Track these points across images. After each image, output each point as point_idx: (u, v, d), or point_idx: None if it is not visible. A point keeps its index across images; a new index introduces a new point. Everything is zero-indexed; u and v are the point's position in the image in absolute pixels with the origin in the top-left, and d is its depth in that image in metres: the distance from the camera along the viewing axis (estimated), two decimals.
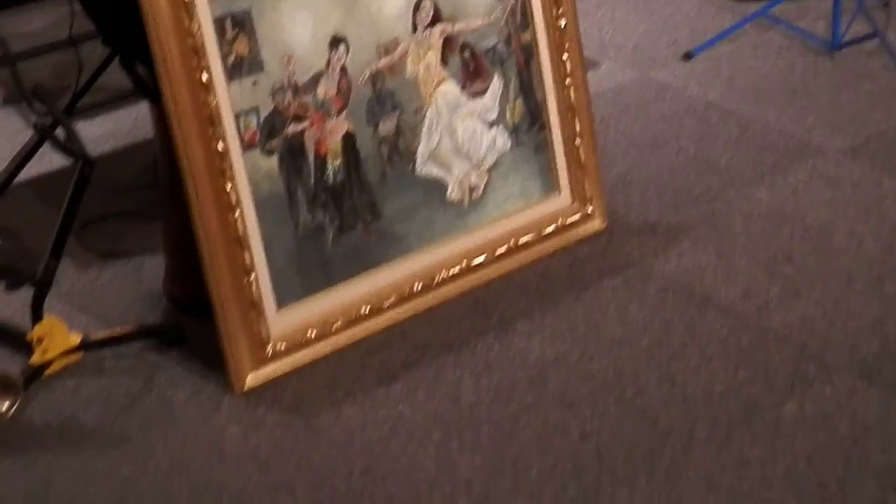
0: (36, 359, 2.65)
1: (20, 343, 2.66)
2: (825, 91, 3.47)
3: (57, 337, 2.68)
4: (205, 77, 2.45)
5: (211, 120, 2.46)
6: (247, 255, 2.55)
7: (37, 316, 2.66)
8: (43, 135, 2.63)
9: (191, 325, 2.75)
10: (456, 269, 2.81)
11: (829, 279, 2.78)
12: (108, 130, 3.47)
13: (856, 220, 2.96)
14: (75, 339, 2.70)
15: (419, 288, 2.76)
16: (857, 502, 2.20)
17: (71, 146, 2.60)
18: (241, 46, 2.50)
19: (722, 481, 2.28)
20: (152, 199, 3.07)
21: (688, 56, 3.68)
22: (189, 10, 2.40)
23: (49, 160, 3.23)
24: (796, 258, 2.85)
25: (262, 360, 2.61)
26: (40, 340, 2.66)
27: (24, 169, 2.83)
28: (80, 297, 2.84)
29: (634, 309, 2.74)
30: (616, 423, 2.44)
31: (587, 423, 2.46)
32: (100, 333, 2.73)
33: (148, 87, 2.66)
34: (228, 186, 2.51)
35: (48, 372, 2.66)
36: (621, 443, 2.40)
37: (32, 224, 3.06)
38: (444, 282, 2.79)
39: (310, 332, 2.65)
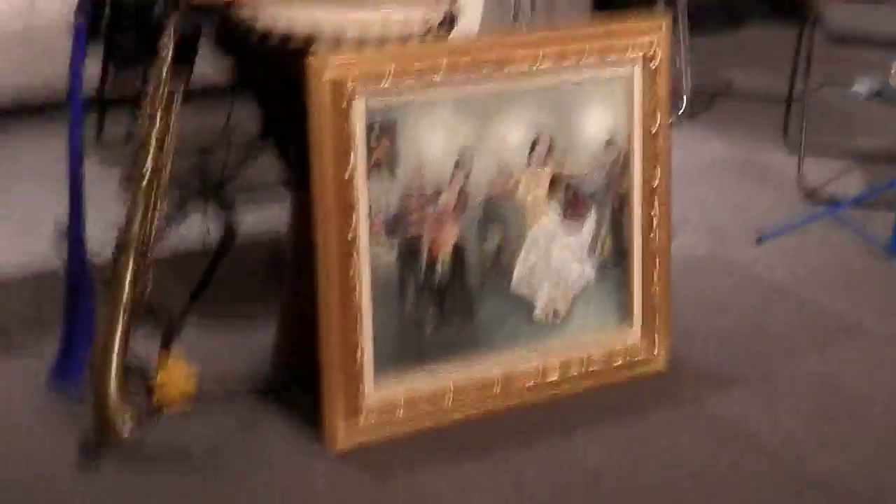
0: (158, 398, 3.00)
1: (146, 381, 3.02)
2: (879, 287, 3.83)
3: (177, 380, 3.04)
4: (348, 175, 2.85)
5: (350, 205, 2.86)
6: (358, 328, 2.92)
7: (164, 357, 3.03)
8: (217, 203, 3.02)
9: (290, 395, 3.11)
10: (531, 381, 3.16)
11: (863, 441, 3.10)
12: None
13: (891, 394, 3.29)
14: (191, 387, 3.06)
15: (498, 390, 3.12)
16: None
17: (227, 215, 3.00)
18: (382, 151, 2.90)
19: None
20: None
21: (759, 241, 4.05)
22: (347, 113, 2.81)
23: None
24: (835, 419, 3.18)
25: (355, 428, 2.96)
26: (163, 384, 3.02)
27: None
28: (195, 353, 3.18)
29: (685, 439, 3.07)
30: None
31: None
32: (214, 385, 3.10)
33: (292, 175, 3.08)
34: (352, 271, 2.89)
35: (164, 412, 3.02)
36: None
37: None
38: (522, 388, 3.14)
39: (398, 410, 3.00)
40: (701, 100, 5.14)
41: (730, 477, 2.95)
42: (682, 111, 4.93)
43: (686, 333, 3.47)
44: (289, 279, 3.21)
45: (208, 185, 3.05)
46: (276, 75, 2.91)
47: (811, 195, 4.40)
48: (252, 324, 3.42)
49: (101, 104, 4.35)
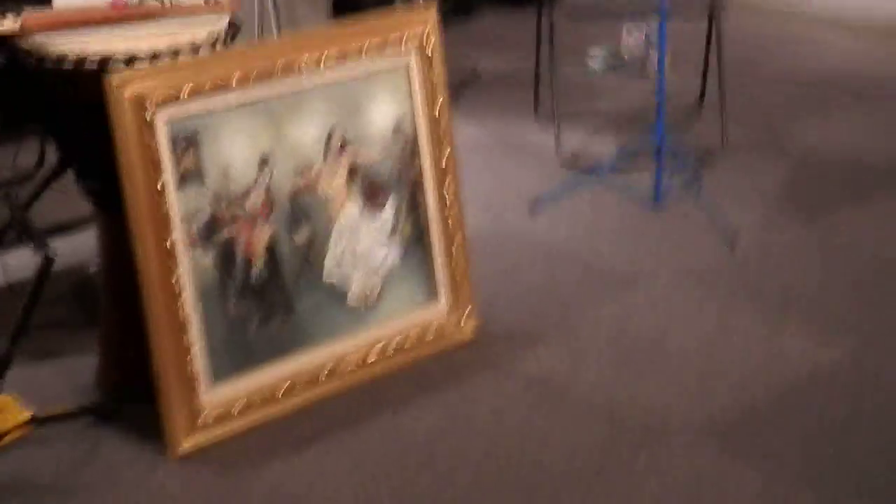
0: None
1: None
2: (651, 237, 4.11)
3: (11, 412, 3.09)
4: (160, 185, 2.95)
5: (164, 218, 2.96)
6: (186, 337, 3.02)
7: None
8: (23, 231, 3.07)
9: (124, 412, 3.19)
10: (353, 362, 3.31)
11: (663, 375, 3.35)
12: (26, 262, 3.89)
13: (682, 331, 3.55)
14: (27, 414, 3.11)
15: (325, 376, 3.25)
16: None
17: (38, 241, 3.05)
18: (189, 161, 3.01)
19: None
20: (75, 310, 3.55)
21: (533, 209, 4.29)
22: (151, 127, 2.91)
23: None
24: (635, 360, 3.42)
25: (195, 429, 3.05)
26: None
27: None
28: (21, 387, 3.22)
29: (504, 395, 3.27)
30: (496, 478, 2.95)
31: (473, 476, 2.96)
32: (47, 410, 3.15)
33: (99, 198, 3.15)
34: (174, 278, 2.99)
35: (2, 443, 3.06)
36: (502, 491, 2.90)
37: None
38: (345, 372, 3.29)
39: (235, 407, 3.11)
40: (449, 89, 5.35)
41: (552, 422, 3.16)
42: None
43: (487, 303, 3.67)
44: (106, 299, 3.27)
45: (18, 218, 3.09)
46: (72, 98, 2.98)
47: (571, 164, 4.66)
48: (70, 349, 3.47)
49: None
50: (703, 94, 5.07)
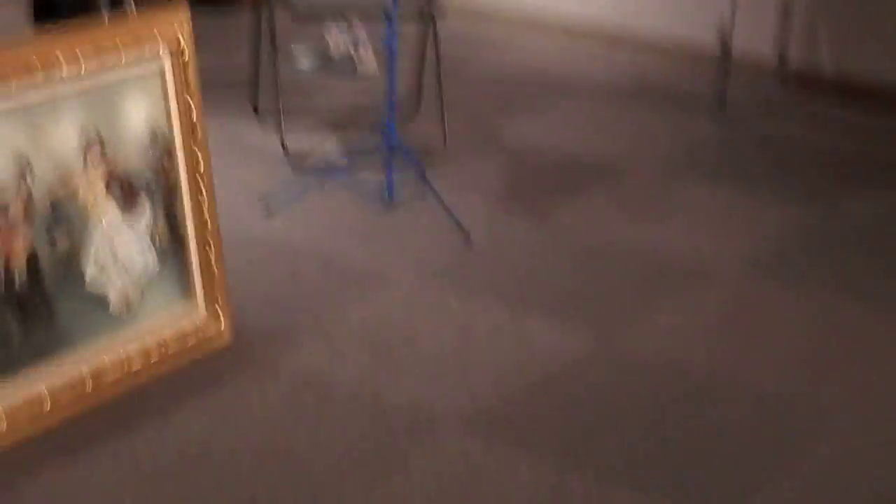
0: None
1: None
2: (389, 232, 4.21)
3: None
4: None
5: None
6: None
7: None
8: None
9: None
10: (118, 371, 3.28)
11: (422, 367, 3.46)
12: None
13: (434, 325, 3.67)
14: None
15: (90, 388, 3.22)
16: None
17: None
18: None
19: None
20: None
21: (269, 212, 4.32)
22: None
23: None
24: (392, 353, 3.52)
25: None
26: None
27: None
28: None
29: (271, 395, 3.32)
30: (278, 476, 2.99)
31: (254, 476, 2.99)
32: None
33: None
34: None
35: None
36: (287, 489, 2.95)
37: None
38: (110, 383, 3.26)
39: (2, 424, 3.04)
40: None
41: (323, 419, 3.22)
42: None
43: (241, 306, 3.69)
44: None
45: None
46: None
47: (299, 164, 4.71)
48: None
49: None
50: (419, 95, 5.20)
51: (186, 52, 3.37)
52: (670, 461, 3.08)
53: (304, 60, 5.78)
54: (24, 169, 3.06)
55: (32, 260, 3.11)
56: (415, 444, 3.12)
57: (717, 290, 3.93)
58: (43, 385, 3.14)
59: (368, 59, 5.64)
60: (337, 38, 5.75)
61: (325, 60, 5.81)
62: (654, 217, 4.43)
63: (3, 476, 2.96)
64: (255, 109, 5.13)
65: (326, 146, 4.88)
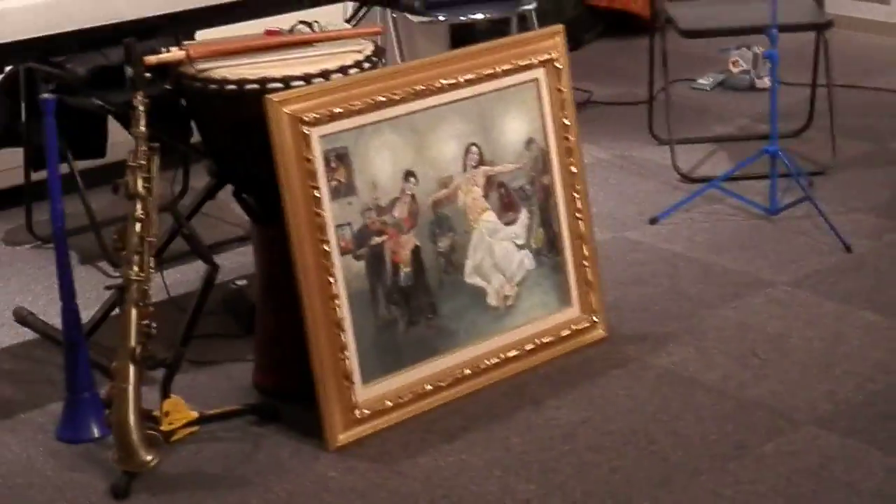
0: (164, 427, 3.30)
1: (150, 416, 3.30)
2: (768, 243, 4.30)
3: (180, 411, 3.35)
4: (316, 194, 3.20)
5: (320, 228, 3.21)
6: (342, 336, 3.26)
7: (166, 393, 3.33)
8: (188, 242, 3.33)
9: (282, 410, 3.43)
10: (494, 360, 3.53)
11: (787, 367, 3.54)
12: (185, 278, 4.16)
13: (804, 329, 3.74)
14: (194, 414, 3.36)
15: (468, 373, 3.48)
16: None
17: (204, 251, 3.32)
18: (340, 174, 3.26)
19: (724, 497, 2.99)
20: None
21: (653, 221, 4.49)
22: (307, 142, 3.17)
23: None
24: (761, 354, 3.61)
25: (351, 422, 3.29)
26: (167, 413, 3.32)
27: None
28: (185, 392, 3.47)
29: (638, 389, 3.48)
30: (635, 462, 3.16)
31: (613, 461, 3.16)
32: (213, 410, 3.40)
33: (257, 212, 3.41)
34: (330, 281, 3.23)
35: (174, 439, 3.31)
36: (642, 474, 3.10)
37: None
38: (487, 369, 3.51)
39: (387, 402, 3.34)
40: None
41: (685, 412, 3.36)
42: None
43: (614, 307, 3.88)
44: (262, 307, 3.52)
45: (184, 228, 3.35)
46: (234, 118, 3.24)
47: (687, 177, 4.86)
48: (227, 357, 3.72)
49: (28, 197, 4.60)
50: (812, 108, 5.23)
51: (561, 68, 3.59)
52: None
53: (702, 80, 5.93)
54: (409, 174, 3.37)
55: (417, 256, 3.40)
56: (769, 440, 3.22)
57: None
58: (424, 372, 3.42)
59: (766, 72, 5.73)
60: (735, 56, 5.86)
61: (725, 77, 5.93)
62: None
63: (386, 453, 3.25)
64: (651, 129, 5.30)
65: (715, 161, 4.99)
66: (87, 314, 3.65)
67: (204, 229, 4.07)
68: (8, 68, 3.95)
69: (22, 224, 4.68)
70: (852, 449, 3.16)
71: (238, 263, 4.26)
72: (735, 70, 5.87)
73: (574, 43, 6.72)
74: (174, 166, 4.31)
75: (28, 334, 3.93)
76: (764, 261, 4.18)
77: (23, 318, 3.97)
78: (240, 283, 4.02)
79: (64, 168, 4.05)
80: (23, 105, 4.28)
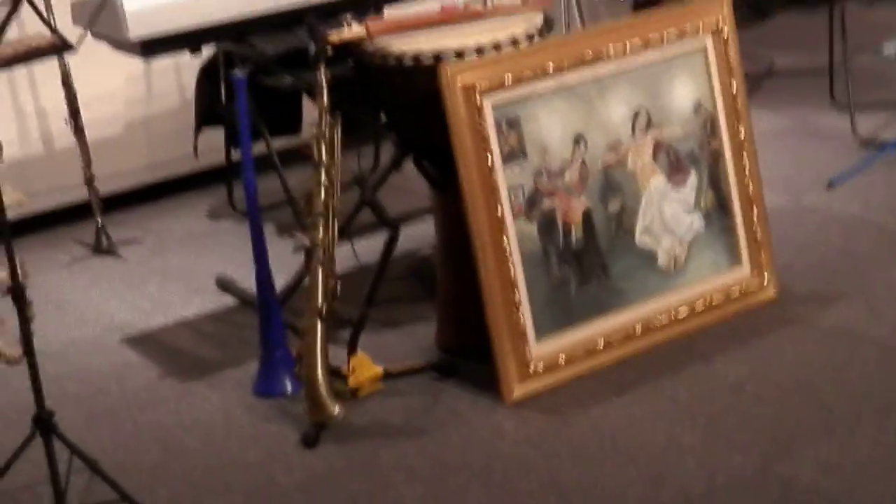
0: (352, 382, 3.52)
1: (338, 372, 3.52)
2: None
3: (366, 367, 3.57)
4: (489, 162, 3.38)
5: (493, 191, 3.39)
6: (516, 294, 3.43)
7: (352, 350, 3.55)
8: (371, 208, 3.54)
9: (460, 367, 3.62)
10: (665, 319, 3.66)
11: None
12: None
13: None
14: (379, 370, 3.58)
15: (640, 331, 3.62)
16: None
17: (385, 216, 3.53)
18: (512, 140, 3.43)
19: (885, 445, 3.08)
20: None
21: (830, 185, 4.55)
22: (479, 110, 3.35)
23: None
24: None
25: (525, 377, 3.46)
26: (354, 369, 3.55)
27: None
28: (372, 351, 3.69)
29: (805, 345, 3.57)
30: (799, 412, 3.26)
31: (777, 412, 3.27)
32: (396, 366, 3.61)
33: (435, 179, 3.61)
34: (504, 242, 3.41)
35: (360, 393, 3.53)
36: (805, 423, 3.21)
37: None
38: (657, 328, 3.64)
39: (560, 358, 3.51)
40: (749, 83, 5.65)
41: (851, 366, 3.44)
42: None
43: (786, 268, 3.96)
44: (443, 270, 3.72)
45: (369, 198, 3.55)
46: (411, 90, 3.44)
47: (866, 144, 4.89)
48: (412, 319, 3.93)
49: (228, 173, 4.89)
50: None
51: (727, 32, 3.70)
52: None
53: (889, 49, 5.92)
54: (579, 139, 3.52)
55: (587, 219, 3.56)
56: None
57: None
58: (596, 329, 3.57)
59: None
60: None
61: None
62: None
63: (559, 406, 3.41)
64: (832, 96, 5.34)
65: (890, 125, 5.01)
66: (283, 281, 3.90)
67: (393, 201, 4.30)
68: (206, 52, 4.22)
69: (225, 200, 4.97)
70: None
71: (427, 233, 4.45)
72: None
73: (761, 13, 6.80)
74: (366, 144, 4.57)
75: (229, 301, 4.20)
76: None
77: (224, 285, 4.24)
78: (428, 251, 4.22)
79: (263, 147, 4.36)
80: (222, 86, 4.58)
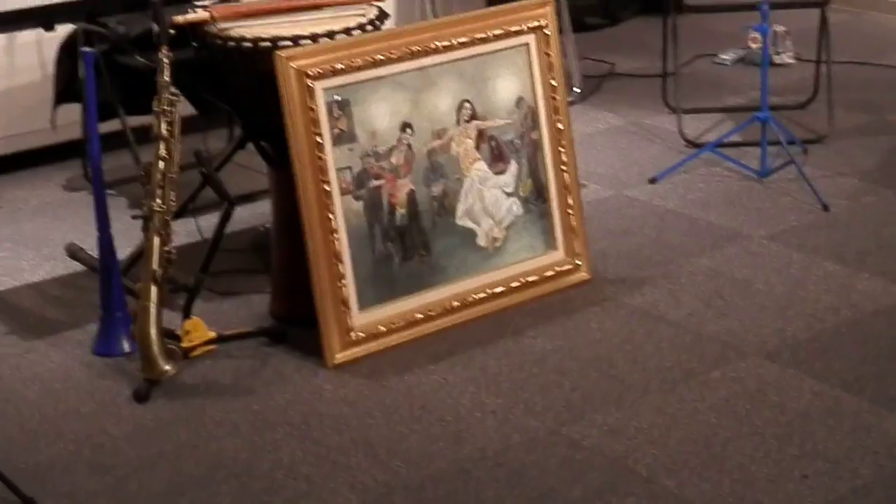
0: (185, 343, 3.75)
1: (172, 334, 3.75)
2: (754, 202, 4.67)
3: (199, 330, 3.80)
4: (319, 140, 3.63)
5: (322, 170, 3.64)
6: (340, 266, 3.69)
7: (187, 314, 3.79)
8: (207, 182, 3.77)
9: (290, 335, 3.87)
10: (482, 295, 3.94)
11: (746, 308, 3.92)
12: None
13: (769, 275, 4.12)
14: (211, 334, 3.81)
15: (456, 305, 3.89)
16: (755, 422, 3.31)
17: (221, 189, 3.76)
18: (342, 123, 3.68)
19: (666, 413, 3.39)
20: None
21: (652, 181, 4.88)
22: (311, 94, 3.60)
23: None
24: (725, 296, 4.00)
25: (347, 344, 3.72)
26: (188, 332, 3.78)
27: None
28: (209, 317, 3.92)
29: (609, 323, 3.88)
30: (594, 383, 3.56)
31: (574, 382, 3.57)
32: (228, 331, 3.85)
33: (271, 157, 3.86)
34: (330, 216, 3.66)
35: (192, 354, 3.77)
36: (598, 393, 3.51)
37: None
38: (474, 303, 3.92)
39: (380, 327, 3.77)
40: (590, 84, 5.98)
41: (647, 343, 3.75)
42: (575, 95, 5.75)
43: (601, 254, 4.27)
44: (277, 242, 3.97)
45: (209, 173, 3.78)
46: (249, 71, 3.68)
47: (692, 143, 5.23)
48: (248, 289, 4.17)
49: (82, 147, 5.08)
50: (816, 82, 5.56)
51: (549, 34, 3.99)
52: None
53: (724, 55, 6.29)
54: (406, 125, 3.79)
55: (412, 199, 3.83)
56: (717, 368, 3.60)
57: None
58: (416, 302, 3.84)
59: (786, 49, 6.09)
60: (754, 33, 6.20)
61: (745, 53, 6.28)
62: None
63: (376, 371, 3.68)
64: (665, 100, 5.67)
65: (721, 131, 5.35)
66: (129, 251, 4.12)
67: (242, 179, 4.55)
68: (63, 29, 4.42)
69: (80, 173, 5.16)
70: (789, 377, 3.54)
71: (267, 210, 4.69)
72: (754, 46, 6.21)
73: (611, 19, 7.14)
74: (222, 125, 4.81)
75: (78, 267, 4.40)
76: (746, 217, 4.55)
77: (73, 252, 4.44)
78: (266, 226, 4.46)
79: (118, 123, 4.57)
80: (79, 64, 4.77)
